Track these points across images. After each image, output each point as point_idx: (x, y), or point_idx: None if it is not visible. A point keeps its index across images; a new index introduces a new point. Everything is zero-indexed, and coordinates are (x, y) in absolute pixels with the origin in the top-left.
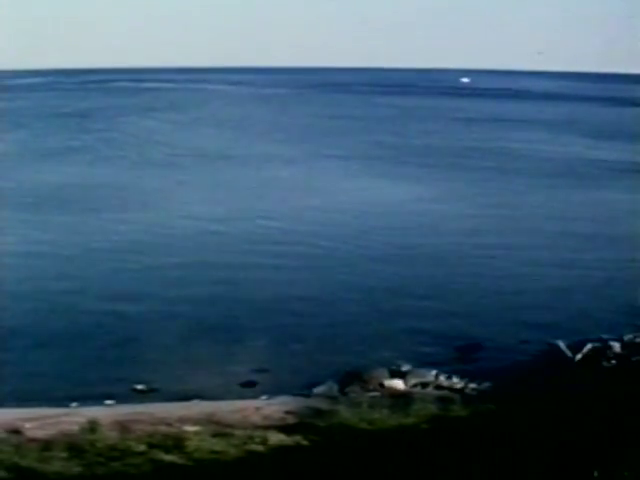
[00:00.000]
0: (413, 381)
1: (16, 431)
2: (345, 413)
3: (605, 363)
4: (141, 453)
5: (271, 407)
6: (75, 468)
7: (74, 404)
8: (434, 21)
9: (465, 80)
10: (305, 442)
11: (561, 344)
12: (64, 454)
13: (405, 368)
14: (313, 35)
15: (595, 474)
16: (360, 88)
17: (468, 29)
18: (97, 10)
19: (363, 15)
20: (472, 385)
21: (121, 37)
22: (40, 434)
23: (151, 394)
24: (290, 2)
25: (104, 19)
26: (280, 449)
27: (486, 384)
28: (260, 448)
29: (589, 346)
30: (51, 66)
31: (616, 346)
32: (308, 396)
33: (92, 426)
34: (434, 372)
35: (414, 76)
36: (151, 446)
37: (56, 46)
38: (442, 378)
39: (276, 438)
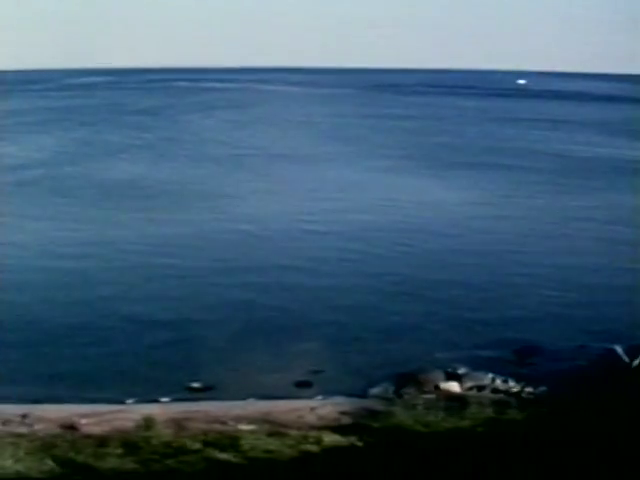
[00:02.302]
0: (469, 384)
1: (71, 427)
2: (400, 415)
3: None
4: (196, 451)
5: (326, 407)
6: (130, 465)
7: (130, 401)
8: (492, 22)
9: (521, 82)
10: (359, 443)
11: (618, 349)
12: (119, 451)
13: (461, 371)
14: (374, 36)
15: None
16: (420, 89)
17: (526, 30)
18: (157, 9)
19: (424, 17)
20: (528, 389)
21: (180, 37)
22: (95, 430)
23: (207, 392)
24: (351, 3)
25: (163, 19)
26: (334, 450)
27: (542, 388)
28: (314, 448)
29: None
30: (109, 65)
31: None
32: (363, 397)
33: (147, 423)
34: (490, 375)
35: (471, 77)
36: (206, 444)
37: (114, 45)
38: (498, 381)
39: (330, 439)
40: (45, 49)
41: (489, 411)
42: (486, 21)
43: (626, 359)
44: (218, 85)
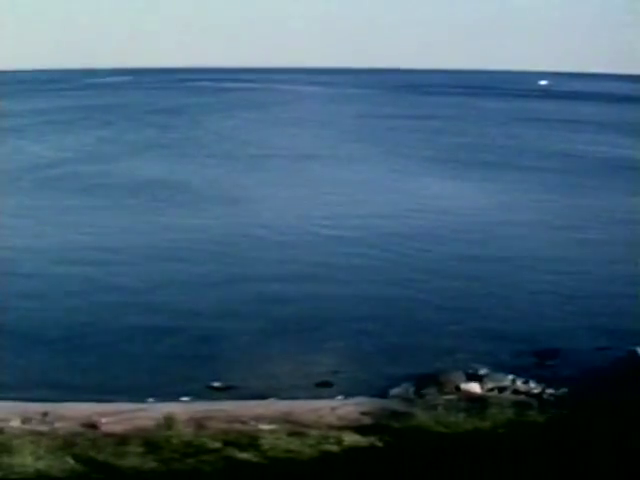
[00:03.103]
0: (490, 385)
1: (92, 425)
2: (421, 415)
3: None
4: (216, 450)
5: (347, 408)
6: (150, 464)
7: (150, 400)
8: (516, 23)
9: (544, 82)
10: (380, 443)
11: (639, 351)
12: (139, 449)
13: (482, 372)
14: (397, 37)
15: None
16: (444, 90)
17: (549, 31)
18: (178, 10)
19: (446, 17)
20: (549, 391)
21: (201, 37)
22: (116, 429)
23: (227, 391)
24: (374, 4)
25: (184, 19)
26: (355, 450)
27: (563, 390)
28: (335, 448)
29: None
30: (131, 65)
31: None
32: (384, 397)
33: (168, 422)
34: (511, 377)
35: (495, 78)
36: (226, 443)
37: (136, 45)
38: (519, 383)
39: (351, 439)
40: (67, 49)
41: (510, 412)
42: (510, 22)
43: None
44: (239, 85)
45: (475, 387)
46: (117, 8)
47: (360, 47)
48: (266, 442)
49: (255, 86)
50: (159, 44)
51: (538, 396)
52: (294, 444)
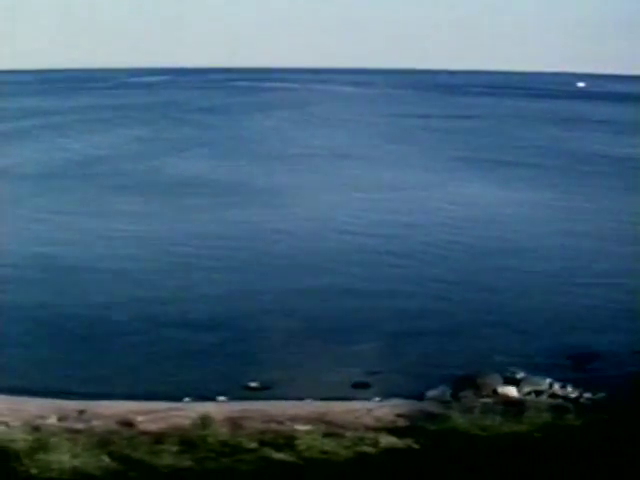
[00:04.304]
0: (527, 389)
1: (129, 424)
2: (457, 418)
3: None
4: (252, 450)
5: (383, 409)
6: (186, 462)
7: (187, 399)
8: (554, 25)
9: (581, 84)
10: (416, 446)
11: None
12: (175, 448)
13: (519, 375)
14: (434, 38)
15: None
16: (480, 90)
17: (587, 33)
18: (216, 11)
19: (483, 18)
20: (587, 395)
21: (239, 37)
22: (152, 427)
23: (264, 392)
24: (411, 5)
25: (222, 20)
26: (390, 451)
27: (601, 394)
28: (371, 450)
29: None
30: (169, 65)
31: None
32: (420, 399)
33: (204, 421)
34: (548, 380)
35: (532, 79)
36: (262, 443)
37: (174, 45)
38: (556, 387)
39: (387, 440)
40: (108, 48)
41: (547, 416)
42: (548, 24)
43: None
44: (277, 85)
45: (512, 390)
46: (157, 8)
47: (397, 48)
48: (302, 443)
49: (293, 86)
50: (197, 44)
51: (575, 400)
52: (330, 445)
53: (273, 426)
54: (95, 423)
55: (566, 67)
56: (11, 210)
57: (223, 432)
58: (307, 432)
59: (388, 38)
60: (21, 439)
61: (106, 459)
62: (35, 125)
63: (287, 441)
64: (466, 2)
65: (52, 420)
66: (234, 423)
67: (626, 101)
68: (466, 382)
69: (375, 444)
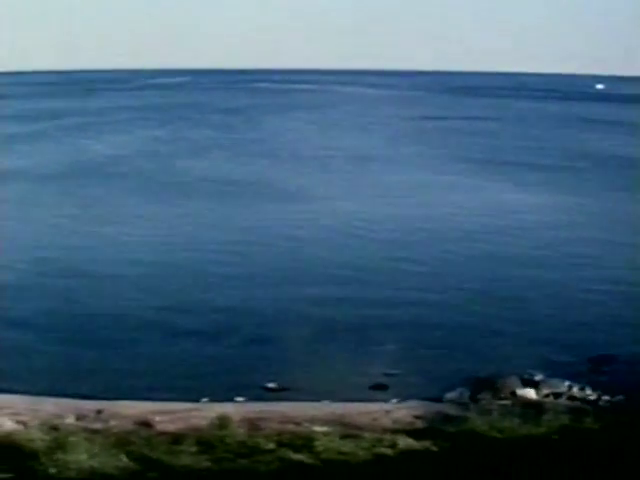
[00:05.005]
0: (545, 391)
1: (146, 424)
2: (475, 420)
3: None
4: (270, 451)
5: (401, 411)
6: (203, 463)
7: (205, 399)
8: (573, 26)
9: (600, 86)
10: (434, 447)
11: None
12: (193, 448)
13: (538, 377)
14: (455, 39)
15: None
16: (501, 92)
17: (606, 35)
18: (238, 12)
19: (504, 20)
20: (605, 397)
21: (260, 39)
22: (170, 428)
23: (282, 393)
24: (429, 7)
25: (241, 20)
26: (408, 453)
27: (620, 397)
28: (388, 452)
29: None
30: (190, 66)
31: None
32: (439, 401)
33: (222, 422)
34: (567, 383)
35: (551, 81)
36: (280, 445)
37: (195, 47)
38: (575, 389)
39: (405, 442)
40: (128, 50)
41: (565, 419)
42: (566, 26)
43: None
44: (297, 87)
45: (530, 393)
46: (178, 10)
47: (418, 49)
48: (320, 444)
49: (313, 87)
50: (218, 45)
51: (594, 403)
52: (348, 446)
53: (291, 427)
54: (113, 423)
55: (584, 69)
56: (31, 212)
57: (241, 433)
58: (325, 433)
59: (407, 40)
60: (39, 439)
61: (124, 459)
62: (55, 126)
63: (305, 442)
64: (483, 3)
65: (70, 420)
66: (252, 424)
67: None
68: (484, 384)
69: (393, 446)
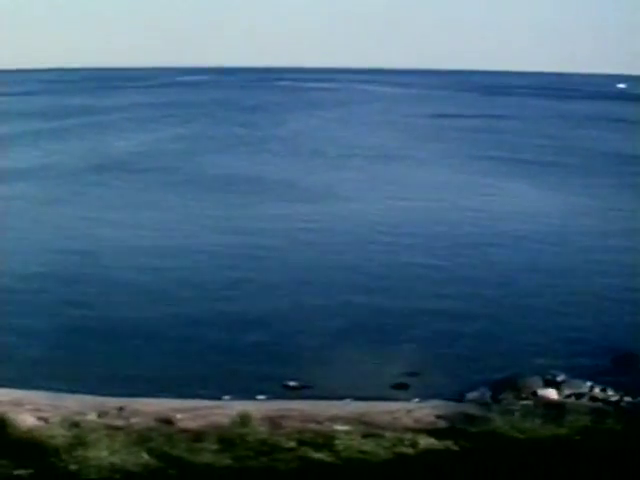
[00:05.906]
0: (567, 391)
1: (168, 421)
2: (497, 420)
3: None
4: (290, 449)
5: (422, 410)
6: (224, 461)
7: (226, 397)
8: (596, 26)
9: (621, 86)
10: (455, 447)
11: None
12: (214, 446)
13: (560, 378)
14: (477, 39)
15: None
16: (523, 91)
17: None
18: (259, 11)
19: (526, 19)
20: (627, 398)
21: (281, 37)
22: (191, 425)
23: (303, 391)
24: (456, 6)
25: (262, 19)
26: (429, 453)
27: None
28: (409, 451)
29: None
30: (212, 64)
31: None
32: (460, 401)
33: (243, 420)
34: (589, 383)
35: (574, 81)
36: (301, 443)
37: (216, 45)
38: (597, 390)
39: (426, 442)
40: (154, 48)
41: (587, 419)
42: (588, 26)
43: None
44: (320, 85)
45: (552, 393)
46: (203, 8)
47: (440, 48)
48: (341, 443)
49: (336, 86)
50: (242, 44)
51: (616, 403)
52: (369, 445)
53: (312, 426)
54: (134, 420)
55: (606, 69)
56: (56, 208)
57: (262, 431)
58: (346, 432)
59: (428, 39)
60: (60, 435)
61: (145, 456)
62: (81, 123)
63: (326, 441)
64: (504, 2)
65: (92, 416)
66: (273, 422)
67: None
68: (506, 384)
69: (414, 445)
